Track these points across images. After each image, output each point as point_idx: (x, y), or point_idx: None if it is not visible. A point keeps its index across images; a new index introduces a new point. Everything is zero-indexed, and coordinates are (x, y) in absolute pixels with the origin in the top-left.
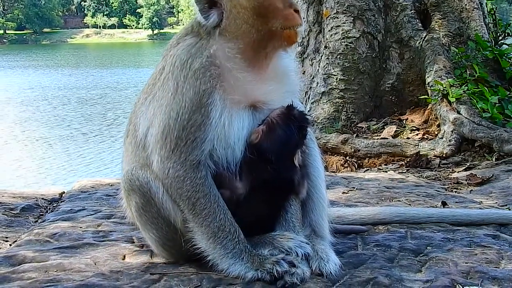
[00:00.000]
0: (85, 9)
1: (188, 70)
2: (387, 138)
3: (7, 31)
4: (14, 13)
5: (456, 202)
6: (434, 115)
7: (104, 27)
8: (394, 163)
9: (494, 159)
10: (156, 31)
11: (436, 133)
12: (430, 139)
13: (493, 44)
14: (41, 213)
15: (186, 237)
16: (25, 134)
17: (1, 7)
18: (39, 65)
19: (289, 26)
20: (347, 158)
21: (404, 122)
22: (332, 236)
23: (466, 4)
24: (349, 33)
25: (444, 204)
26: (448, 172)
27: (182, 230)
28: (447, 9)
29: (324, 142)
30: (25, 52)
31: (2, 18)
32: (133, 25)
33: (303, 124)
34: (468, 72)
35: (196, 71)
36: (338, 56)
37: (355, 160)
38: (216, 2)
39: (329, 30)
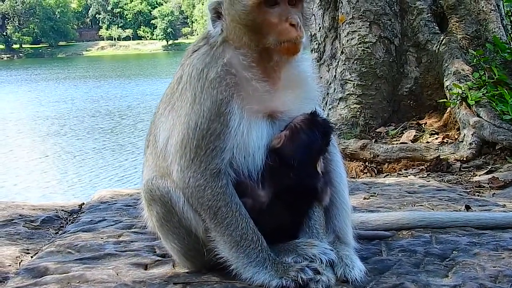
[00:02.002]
0: (100, 21)
1: (205, 80)
2: (406, 143)
3: (23, 45)
4: (30, 27)
5: (479, 205)
6: (454, 118)
7: (119, 39)
8: (414, 168)
9: None
10: (170, 42)
11: (456, 136)
12: (450, 143)
13: (511, 46)
14: (61, 225)
15: (208, 247)
16: (57, 147)
17: (17, 22)
18: (62, 78)
19: (284, 40)
20: (366, 163)
21: (423, 126)
22: (356, 242)
23: (483, 6)
24: (365, 38)
25: (468, 208)
26: (470, 175)
27: (204, 239)
28: (464, 11)
29: (342, 148)
30: (45, 65)
31: (18, 33)
32: (148, 36)
33: (327, 130)
34: (486, 75)
35: (212, 80)
36: (355, 62)
37: (375, 166)
38: (221, 14)
39: (345, 36)
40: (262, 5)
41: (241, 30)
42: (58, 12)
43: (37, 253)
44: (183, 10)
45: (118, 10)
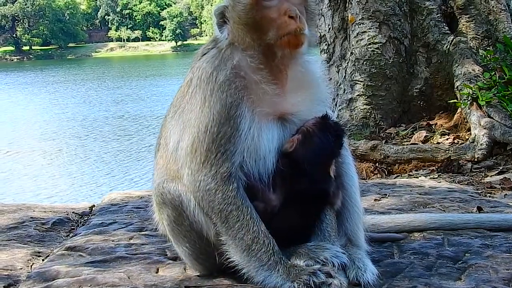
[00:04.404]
0: (109, 22)
1: (214, 83)
2: (417, 144)
3: (32, 47)
4: (39, 29)
5: (491, 207)
6: (464, 119)
7: (128, 40)
8: (425, 169)
9: None
10: (179, 43)
11: (466, 137)
12: (461, 144)
13: None
14: (72, 227)
15: (220, 250)
16: (85, 148)
17: (27, 24)
18: (79, 79)
19: (284, 34)
20: (377, 164)
21: (434, 127)
22: (367, 245)
23: (493, 6)
24: (375, 38)
25: (479, 209)
26: (481, 176)
27: (215, 243)
28: (474, 11)
29: (353, 149)
30: (59, 67)
31: (28, 34)
32: (157, 38)
33: (339, 133)
34: (497, 75)
35: (221, 84)
36: (364, 62)
37: (385, 167)
38: (227, 17)
39: (354, 36)
40: (260, 1)
41: (243, 30)
42: (68, 13)
43: (48, 256)
44: (192, 11)
45: (127, 11)
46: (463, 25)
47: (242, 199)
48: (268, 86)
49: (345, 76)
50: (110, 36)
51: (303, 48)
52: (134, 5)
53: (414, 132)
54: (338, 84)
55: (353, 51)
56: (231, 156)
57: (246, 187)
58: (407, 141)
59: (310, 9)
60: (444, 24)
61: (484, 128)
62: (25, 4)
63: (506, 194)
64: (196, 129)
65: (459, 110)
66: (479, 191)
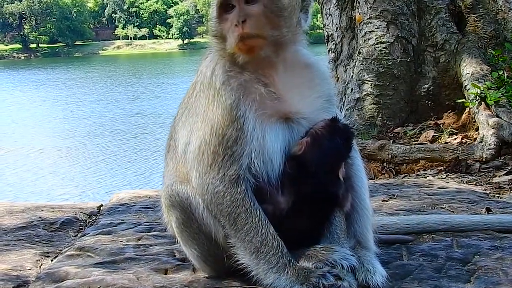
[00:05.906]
0: (116, 20)
1: (214, 89)
2: (424, 143)
3: (40, 45)
4: (47, 27)
5: (500, 208)
6: (472, 119)
7: (134, 38)
8: (433, 169)
9: None
10: (186, 41)
11: (474, 137)
12: (469, 144)
13: None
14: (80, 227)
15: (228, 253)
16: (100, 147)
17: (34, 21)
18: (92, 77)
19: (233, 42)
20: (384, 164)
21: (442, 126)
22: (376, 247)
23: (501, 6)
24: (382, 38)
25: (488, 210)
26: (489, 176)
27: (224, 245)
28: (482, 11)
29: (360, 149)
30: (70, 65)
31: (35, 32)
32: (163, 36)
33: (349, 136)
34: (505, 74)
35: (219, 89)
36: (372, 62)
37: (393, 166)
38: None
39: (362, 36)
40: (222, 14)
41: (213, 40)
42: (75, 11)
43: (57, 256)
44: (198, 9)
45: (134, 9)
46: (471, 24)
47: (250, 202)
48: (262, 88)
49: (352, 76)
50: (117, 34)
51: (262, 50)
52: (141, 3)
53: (422, 132)
54: (346, 83)
55: (361, 51)
56: (238, 158)
57: (254, 189)
58: (414, 141)
59: (273, 10)
60: (452, 23)
61: (492, 128)
62: (32, 2)
63: None
64: (203, 132)
65: (467, 109)
66: (488, 192)
